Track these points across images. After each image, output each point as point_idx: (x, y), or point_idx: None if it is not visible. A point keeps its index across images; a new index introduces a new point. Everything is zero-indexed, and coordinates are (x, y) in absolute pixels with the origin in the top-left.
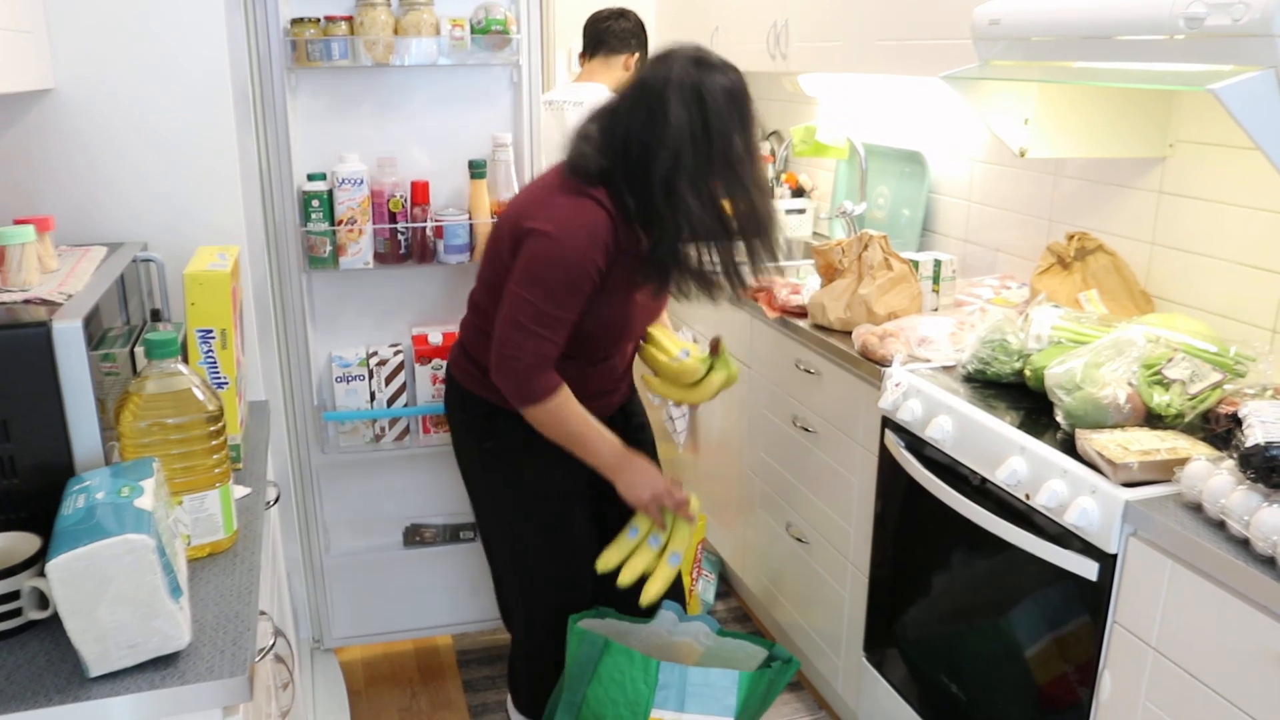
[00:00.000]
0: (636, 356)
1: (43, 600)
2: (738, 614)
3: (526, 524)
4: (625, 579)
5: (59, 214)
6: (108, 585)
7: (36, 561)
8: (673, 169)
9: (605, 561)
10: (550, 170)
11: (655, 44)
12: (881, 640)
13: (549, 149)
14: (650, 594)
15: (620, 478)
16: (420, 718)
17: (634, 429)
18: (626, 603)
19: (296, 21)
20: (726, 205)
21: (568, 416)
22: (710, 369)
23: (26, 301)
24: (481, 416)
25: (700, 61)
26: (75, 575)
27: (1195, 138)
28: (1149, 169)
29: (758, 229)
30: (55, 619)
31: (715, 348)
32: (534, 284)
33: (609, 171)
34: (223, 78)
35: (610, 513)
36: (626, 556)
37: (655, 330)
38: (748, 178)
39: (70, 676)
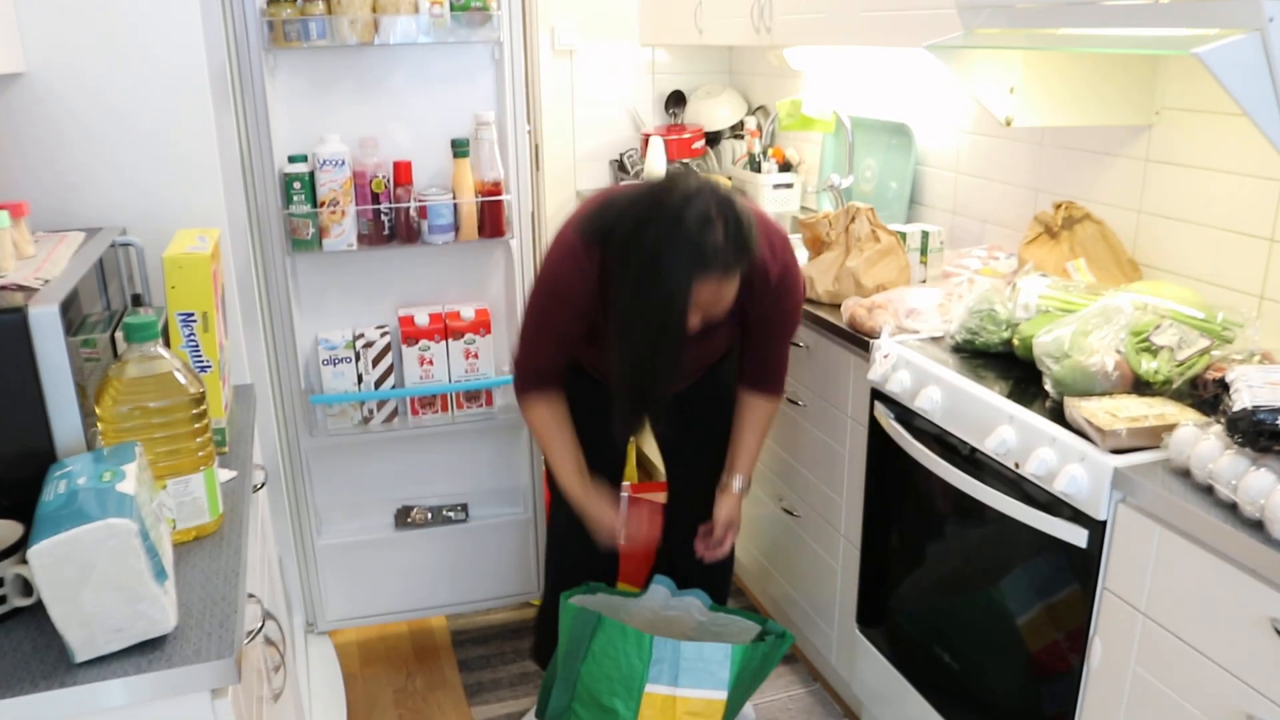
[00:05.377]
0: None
1: (26, 587)
2: (731, 588)
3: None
4: None
5: (35, 200)
6: (91, 570)
7: (19, 549)
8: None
9: None
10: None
11: (636, 19)
12: (874, 612)
13: None
14: None
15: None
16: (415, 698)
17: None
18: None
19: (273, 1)
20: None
21: (540, 428)
22: None
23: (2, 288)
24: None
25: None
26: (58, 561)
27: (1181, 104)
28: (1135, 137)
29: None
30: (40, 606)
31: None
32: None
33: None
34: (199, 59)
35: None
36: None
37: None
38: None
39: (56, 663)
